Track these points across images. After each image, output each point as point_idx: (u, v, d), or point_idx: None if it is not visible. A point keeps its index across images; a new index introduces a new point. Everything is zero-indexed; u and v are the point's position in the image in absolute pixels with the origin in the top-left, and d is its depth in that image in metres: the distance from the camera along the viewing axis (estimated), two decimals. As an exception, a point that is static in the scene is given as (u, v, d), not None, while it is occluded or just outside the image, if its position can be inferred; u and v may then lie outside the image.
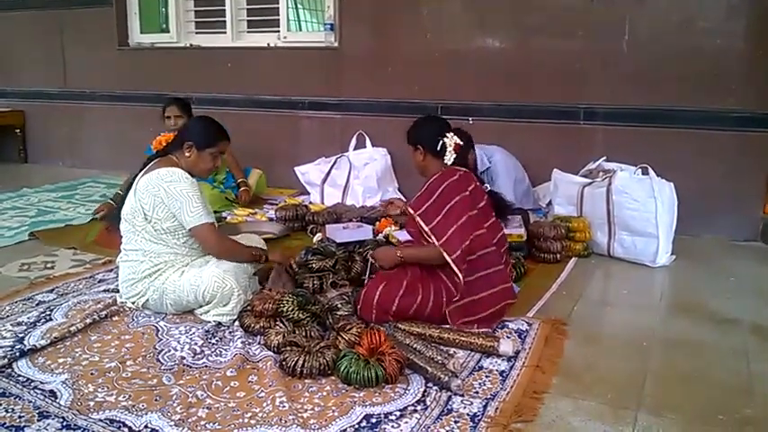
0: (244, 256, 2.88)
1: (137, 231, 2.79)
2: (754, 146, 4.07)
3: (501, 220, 2.98)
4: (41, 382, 2.22)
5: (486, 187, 2.91)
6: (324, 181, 5.05)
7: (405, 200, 4.95)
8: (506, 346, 2.45)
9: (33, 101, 6.89)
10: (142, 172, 2.83)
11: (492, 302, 2.73)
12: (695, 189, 3.98)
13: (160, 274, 2.78)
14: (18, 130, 6.89)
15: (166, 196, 2.71)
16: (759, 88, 4.01)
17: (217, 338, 2.59)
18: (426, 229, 2.70)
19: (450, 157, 2.85)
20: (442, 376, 2.21)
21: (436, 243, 2.65)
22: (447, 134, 2.86)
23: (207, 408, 2.08)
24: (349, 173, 5.00)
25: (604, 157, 4.02)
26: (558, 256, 3.63)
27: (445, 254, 2.62)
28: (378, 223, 4.05)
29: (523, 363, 2.42)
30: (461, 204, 2.71)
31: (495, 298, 2.74)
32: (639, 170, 3.76)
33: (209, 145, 2.87)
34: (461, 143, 2.88)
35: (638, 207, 3.60)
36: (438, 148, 2.85)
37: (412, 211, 2.79)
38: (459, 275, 2.63)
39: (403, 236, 3.26)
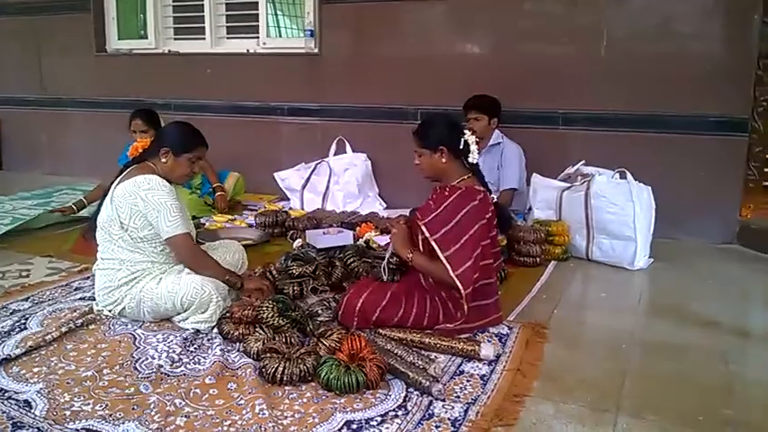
0: (216, 274, 2.79)
1: (113, 240, 2.75)
2: (731, 150, 4.13)
3: (501, 233, 2.90)
4: (15, 392, 2.17)
5: (493, 198, 2.79)
6: (304, 187, 5.04)
7: (385, 206, 4.96)
8: (487, 350, 2.46)
9: (10, 107, 6.80)
10: (119, 179, 2.80)
11: (478, 327, 2.72)
12: (673, 193, 4.01)
13: (137, 282, 2.74)
14: (-7, 138, 6.81)
15: (143, 205, 2.68)
16: (736, 93, 4.06)
17: (195, 346, 2.56)
18: (442, 256, 2.55)
19: (474, 156, 2.71)
20: (424, 381, 2.20)
21: (450, 272, 2.52)
22: (464, 131, 2.73)
23: (185, 416, 2.05)
24: (329, 178, 4.99)
25: (583, 162, 4.05)
26: (538, 259, 3.65)
27: (460, 286, 2.51)
28: (358, 228, 4.05)
29: (504, 366, 2.42)
30: (479, 235, 2.59)
31: (483, 324, 2.73)
32: (617, 174, 3.79)
33: (185, 150, 2.83)
34: (474, 128, 2.80)
35: (616, 211, 3.63)
36: (461, 147, 2.70)
37: (427, 233, 2.62)
38: (465, 309, 2.57)
39: (384, 241, 3.25)
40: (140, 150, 2.96)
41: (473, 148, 2.72)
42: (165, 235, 2.70)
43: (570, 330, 2.83)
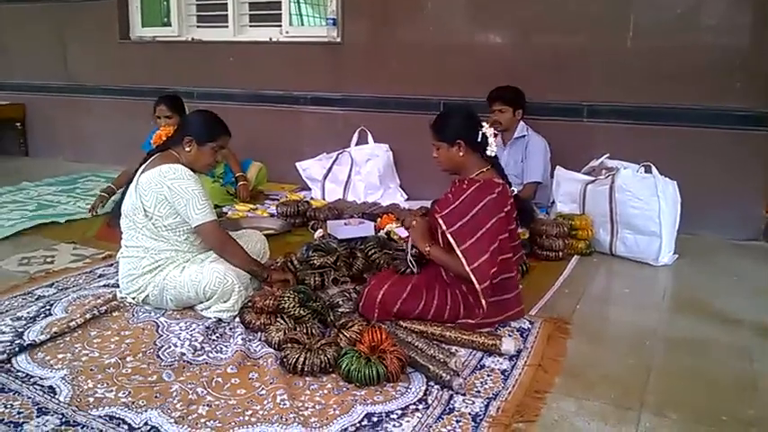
0: (243, 263, 2.81)
1: (137, 228, 2.77)
2: (757, 144, 4.05)
3: (522, 226, 2.88)
4: (41, 378, 2.20)
5: (513, 191, 2.75)
6: (325, 177, 5.03)
7: (407, 197, 4.95)
8: (508, 345, 2.44)
9: (34, 94, 6.87)
10: (143, 167, 2.81)
11: (499, 322, 2.71)
12: (698, 188, 3.95)
13: (161, 270, 2.76)
14: (18, 124, 6.89)
15: (170, 194, 2.69)
16: (762, 87, 3.98)
17: (217, 335, 2.57)
18: (458, 250, 2.54)
19: (492, 149, 2.68)
20: (444, 375, 2.19)
21: (466, 267, 2.51)
22: (482, 123, 2.70)
23: (207, 405, 2.06)
24: (350, 169, 4.98)
25: (607, 155, 3.99)
26: (561, 254, 3.62)
27: (475, 281, 2.50)
28: (379, 219, 4.04)
29: (525, 362, 2.41)
30: (496, 229, 2.57)
31: (504, 319, 2.72)
32: (642, 168, 3.74)
33: (209, 140, 2.83)
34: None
35: (641, 205, 3.59)
36: (479, 140, 2.68)
37: (443, 226, 2.61)
38: (484, 305, 2.55)
39: (405, 233, 3.24)
40: (164, 138, 2.96)
41: (491, 140, 2.69)
42: (195, 223, 2.72)
43: (593, 326, 2.80)
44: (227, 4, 5.72)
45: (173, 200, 2.70)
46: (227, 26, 5.79)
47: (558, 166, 4.04)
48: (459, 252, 2.54)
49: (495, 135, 2.71)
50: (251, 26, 5.79)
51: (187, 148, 2.81)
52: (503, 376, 2.29)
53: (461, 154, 2.69)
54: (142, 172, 2.78)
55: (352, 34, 5.19)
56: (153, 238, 2.76)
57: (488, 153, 2.70)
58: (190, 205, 2.69)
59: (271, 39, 5.60)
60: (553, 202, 4.08)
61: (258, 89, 5.64)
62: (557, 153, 4.29)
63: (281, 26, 5.57)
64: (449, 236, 2.59)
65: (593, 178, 3.86)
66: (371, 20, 5.12)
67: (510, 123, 4.22)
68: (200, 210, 2.71)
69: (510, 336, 2.58)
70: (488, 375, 2.30)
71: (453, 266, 2.61)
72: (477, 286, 2.51)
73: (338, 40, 5.24)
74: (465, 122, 2.72)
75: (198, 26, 6.02)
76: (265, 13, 5.66)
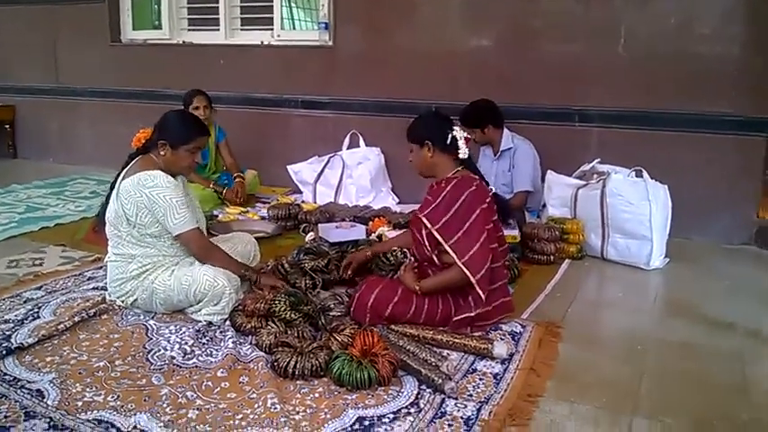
0: (230, 268, 2.76)
1: (121, 236, 2.73)
2: (748, 149, 4.07)
3: (502, 223, 2.91)
4: (28, 381, 2.18)
5: (492, 189, 2.80)
6: (317, 180, 5.02)
7: (398, 200, 4.94)
8: (500, 349, 2.43)
9: (24, 96, 6.82)
10: (124, 172, 2.75)
11: (491, 316, 2.69)
12: (689, 192, 3.97)
13: (149, 274, 2.73)
14: (8, 126, 6.83)
15: (149, 202, 2.64)
16: (753, 92, 4.00)
17: (207, 338, 2.55)
18: (447, 246, 2.56)
19: (463, 151, 2.70)
20: (436, 378, 2.19)
21: (457, 261, 2.52)
22: (454, 127, 2.73)
23: (197, 409, 2.05)
24: (342, 172, 4.97)
25: (598, 159, 4.00)
26: (552, 257, 3.62)
27: (469, 274, 2.50)
28: (371, 223, 4.03)
29: (517, 365, 2.40)
30: (482, 219, 2.59)
31: (495, 311, 2.71)
32: (633, 172, 3.75)
33: (183, 142, 2.73)
34: (470, 137, 2.81)
35: (632, 210, 3.59)
36: (448, 142, 2.70)
37: (428, 224, 2.63)
38: (482, 296, 2.55)
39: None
40: (142, 141, 2.87)
41: (461, 143, 2.71)
42: (174, 232, 2.69)
43: (585, 330, 2.80)
44: (218, 7, 5.70)
45: (152, 208, 2.65)
46: (218, 29, 5.76)
47: (549, 171, 4.04)
48: (447, 248, 2.56)
49: (467, 139, 2.74)
50: (242, 29, 5.77)
51: (162, 152, 2.73)
52: (495, 380, 2.29)
53: (431, 155, 2.73)
54: (123, 177, 2.72)
55: (344, 38, 5.18)
56: (138, 245, 2.73)
57: (461, 156, 2.72)
58: (168, 214, 2.65)
59: (262, 42, 5.59)
60: (544, 205, 4.08)
61: (249, 92, 5.62)
62: (548, 157, 4.29)
63: (272, 29, 5.56)
64: (435, 233, 2.60)
65: (584, 182, 3.86)
66: (363, 24, 5.12)
67: (485, 140, 4.20)
68: (179, 218, 2.66)
69: (502, 339, 2.58)
70: (480, 379, 2.29)
71: (448, 279, 2.61)
72: (471, 279, 2.51)
73: (330, 43, 5.23)
74: (433, 125, 2.78)
75: (189, 29, 5.99)
76: (257, 17, 5.64)
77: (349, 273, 3.03)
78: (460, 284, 2.59)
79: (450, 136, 2.70)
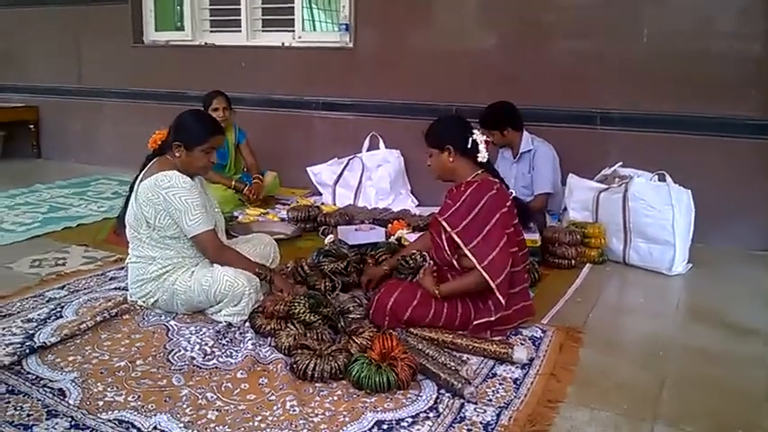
0: (246, 267, 2.76)
1: (141, 239, 2.75)
2: (770, 153, 4.02)
3: (522, 226, 2.89)
4: (50, 380, 2.20)
5: (512, 193, 2.78)
6: (336, 182, 5.02)
7: (417, 203, 4.93)
8: (520, 354, 2.42)
9: (48, 97, 6.90)
10: (141, 174, 2.77)
11: (511, 320, 2.67)
12: (712, 197, 3.91)
13: (169, 275, 2.75)
14: (32, 126, 6.91)
15: (165, 204, 2.66)
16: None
17: (227, 339, 2.56)
18: (466, 250, 2.53)
19: (483, 155, 2.69)
20: (455, 383, 2.18)
21: (477, 265, 2.50)
22: (473, 131, 2.72)
23: (217, 410, 2.05)
24: (361, 174, 4.97)
25: (620, 163, 3.97)
26: (573, 262, 3.58)
27: (489, 279, 2.48)
28: (390, 225, 4.02)
29: (538, 370, 2.38)
30: (502, 223, 2.56)
31: (516, 315, 2.68)
32: (656, 176, 3.71)
33: (198, 143, 2.72)
34: (489, 140, 2.79)
35: (654, 214, 3.55)
36: (468, 146, 2.68)
37: (448, 228, 2.61)
38: (502, 301, 2.52)
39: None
40: (158, 143, 2.88)
41: (482, 147, 2.69)
42: (189, 233, 2.70)
43: (606, 335, 2.77)
44: (240, 8, 5.74)
45: (168, 210, 2.66)
46: (240, 31, 5.80)
47: (570, 174, 4.01)
48: (467, 252, 2.54)
49: (487, 143, 2.72)
50: (264, 31, 5.80)
51: (177, 154, 2.73)
52: (515, 385, 2.27)
53: (452, 160, 2.71)
54: (141, 179, 2.74)
55: (365, 40, 5.19)
56: (158, 247, 2.74)
57: (480, 159, 2.71)
58: (183, 216, 2.66)
59: (283, 44, 5.61)
60: (565, 209, 4.05)
61: (270, 93, 5.64)
62: (569, 160, 4.25)
63: (293, 31, 5.57)
64: (455, 237, 2.58)
65: (606, 186, 3.83)
66: (384, 26, 5.12)
67: (505, 142, 4.18)
68: (193, 220, 2.67)
69: (522, 344, 2.56)
70: (500, 384, 2.28)
71: (466, 286, 2.60)
72: (491, 284, 2.49)
73: (350, 45, 5.24)
74: (453, 129, 2.76)
75: (211, 31, 6.03)
76: (278, 18, 5.66)
77: (371, 288, 3.00)
78: (480, 289, 2.57)
79: (470, 140, 2.69)
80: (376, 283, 2.99)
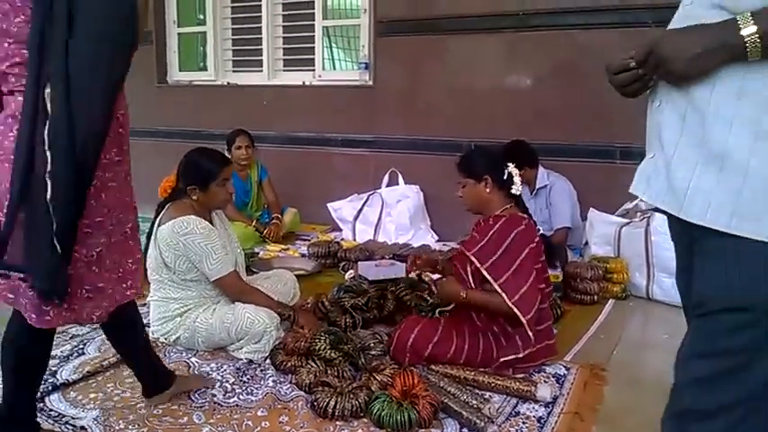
0: (269, 307, 2.78)
1: (163, 281, 2.78)
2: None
3: (549, 264, 2.86)
4: (73, 418, 2.21)
5: (539, 230, 2.75)
6: (356, 218, 5.04)
7: (437, 238, 4.92)
8: (544, 391, 2.38)
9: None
10: (158, 219, 2.79)
11: (536, 358, 2.64)
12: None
13: (191, 313, 2.77)
14: (58, 165, 7.02)
15: (185, 250, 2.69)
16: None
17: (248, 376, 2.56)
18: (496, 285, 2.50)
19: (517, 188, 2.70)
20: (478, 421, 2.15)
21: (507, 301, 2.47)
22: (508, 163, 2.72)
23: (237, 448, 2.04)
24: (381, 210, 4.99)
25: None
26: (596, 297, 3.55)
27: (519, 314, 2.46)
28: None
29: (562, 409, 2.35)
30: (531, 259, 2.55)
31: (540, 353, 2.65)
32: (678, 211, 3.67)
33: (211, 180, 2.77)
34: (521, 173, 2.81)
35: (677, 248, 3.51)
36: (505, 178, 2.69)
37: (477, 263, 2.58)
38: (531, 337, 2.50)
39: (436, 276, 3.22)
40: (168, 191, 2.92)
41: (516, 179, 2.70)
42: (210, 277, 2.73)
43: (630, 372, 2.72)
44: (261, 48, 5.85)
45: (188, 255, 2.70)
46: (261, 70, 5.91)
47: (591, 209, 3.99)
48: (497, 287, 2.50)
49: (521, 175, 2.73)
50: (285, 70, 5.90)
51: (194, 197, 2.78)
52: (538, 424, 2.24)
53: (488, 191, 2.69)
54: (158, 225, 2.77)
55: (384, 77, 5.26)
56: (180, 288, 2.77)
57: (514, 191, 2.71)
58: (204, 261, 2.69)
59: (304, 82, 5.70)
60: (586, 243, 4.02)
61: (291, 131, 5.72)
62: (590, 195, 4.24)
63: (314, 70, 5.67)
64: (484, 272, 2.55)
65: (627, 221, 3.80)
66: (403, 63, 5.19)
67: (524, 179, 4.17)
68: (214, 264, 2.70)
69: (545, 382, 2.52)
70: (524, 423, 2.24)
71: (494, 304, 2.55)
72: (522, 319, 2.46)
73: (370, 83, 5.31)
74: (492, 160, 2.77)
75: (234, 70, 6.16)
76: (299, 58, 5.77)
77: (416, 265, 3.05)
78: (499, 317, 2.56)
79: (507, 172, 2.70)
80: (422, 264, 3.05)
